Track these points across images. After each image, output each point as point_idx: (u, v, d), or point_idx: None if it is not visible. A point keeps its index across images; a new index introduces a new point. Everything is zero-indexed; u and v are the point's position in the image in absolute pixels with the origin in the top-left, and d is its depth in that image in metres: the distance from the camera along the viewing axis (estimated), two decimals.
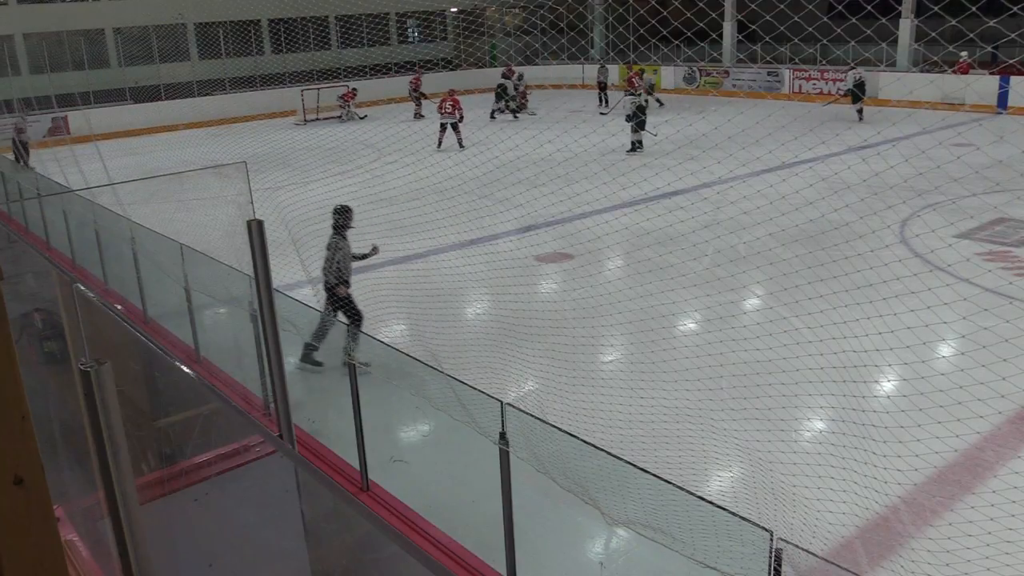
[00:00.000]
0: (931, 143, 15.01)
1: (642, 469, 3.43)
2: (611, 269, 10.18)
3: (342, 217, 7.56)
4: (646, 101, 18.04)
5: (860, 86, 20.40)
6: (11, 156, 19.82)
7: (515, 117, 23.92)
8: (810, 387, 5.74)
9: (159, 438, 3.15)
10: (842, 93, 21.35)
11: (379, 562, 2.05)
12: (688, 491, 3.29)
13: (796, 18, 6.62)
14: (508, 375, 6.84)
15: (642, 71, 23.44)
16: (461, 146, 19.24)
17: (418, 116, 24.75)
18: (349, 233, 7.62)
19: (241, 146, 18.89)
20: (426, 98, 24.97)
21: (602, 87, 25.82)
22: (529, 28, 31.19)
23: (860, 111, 20.32)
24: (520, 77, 24.79)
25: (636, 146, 17.82)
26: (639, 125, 17.73)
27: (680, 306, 7.94)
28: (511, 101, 23.97)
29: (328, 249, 7.47)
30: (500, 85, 24.42)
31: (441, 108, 19.56)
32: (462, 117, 19.52)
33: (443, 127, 19.53)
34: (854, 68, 20.63)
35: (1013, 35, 6.30)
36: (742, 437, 5.66)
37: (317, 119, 25.42)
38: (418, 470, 6.02)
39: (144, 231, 8.16)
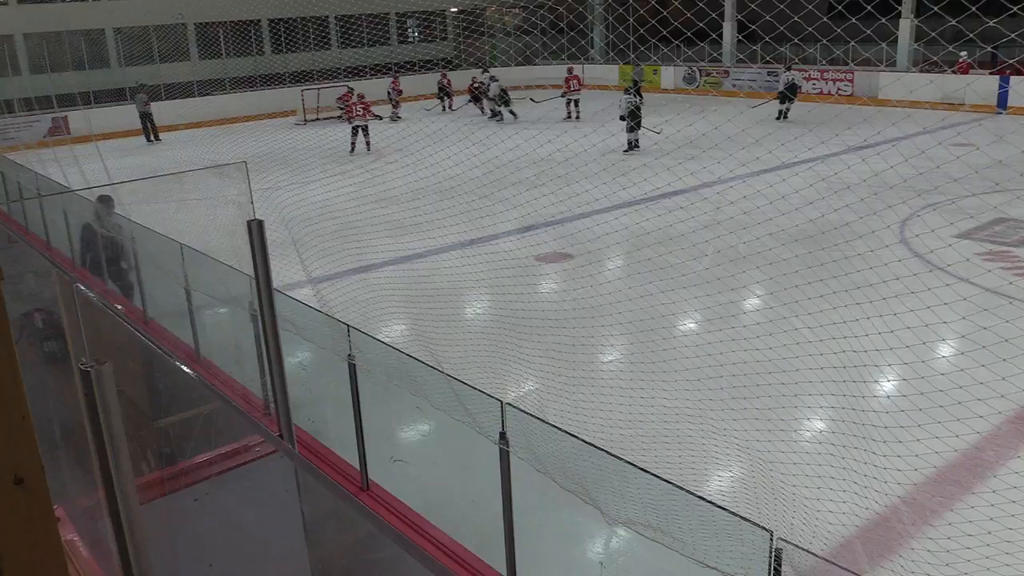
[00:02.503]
0: (931, 143, 15.01)
1: (642, 469, 3.43)
2: (611, 269, 10.18)
3: (106, 206, 8.51)
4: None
5: (792, 88, 20.75)
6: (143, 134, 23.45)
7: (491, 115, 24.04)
8: (810, 387, 5.73)
9: (159, 438, 3.15)
10: (777, 93, 21.58)
11: (379, 562, 2.05)
12: (688, 491, 3.29)
13: (796, 18, 6.62)
14: (508, 375, 6.84)
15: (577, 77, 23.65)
16: (369, 149, 19.69)
17: (396, 118, 25.08)
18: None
19: (241, 146, 18.89)
20: (397, 105, 25.48)
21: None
22: (529, 28, 31.18)
23: (785, 113, 20.68)
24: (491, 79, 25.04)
25: (633, 145, 17.83)
26: (637, 124, 17.74)
27: (680, 306, 7.94)
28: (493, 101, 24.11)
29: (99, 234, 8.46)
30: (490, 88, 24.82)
31: (351, 112, 19.94)
32: (376, 118, 20.43)
33: (355, 131, 19.80)
34: (789, 70, 21.14)
35: (1013, 35, 6.30)
36: (742, 437, 5.66)
37: (317, 119, 25.41)
38: (418, 470, 6.02)
39: (144, 231, 8.15)
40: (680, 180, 12.98)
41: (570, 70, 23.52)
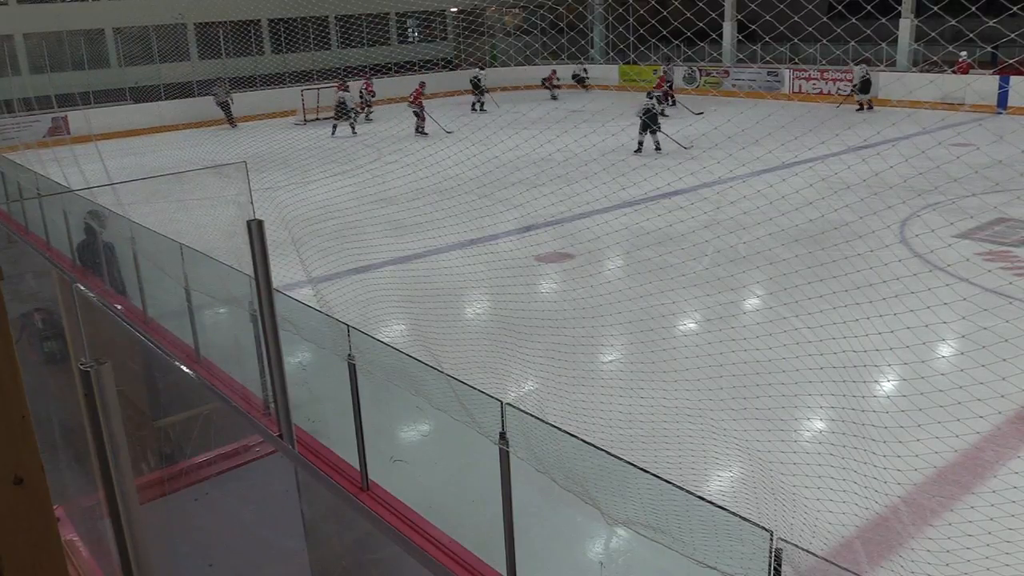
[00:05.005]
0: (931, 143, 15.01)
1: (642, 469, 3.43)
2: (611, 269, 10.18)
3: (98, 221, 8.39)
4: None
5: (865, 83, 21.97)
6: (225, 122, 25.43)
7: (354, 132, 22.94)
8: (810, 387, 5.73)
9: (159, 438, 3.15)
10: (852, 89, 22.62)
11: (379, 562, 2.05)
12: (688, 491, 3.29)
13: (796, 18, 6.63)
14: (508, 375, 6.84)
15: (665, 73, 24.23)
16: (420, 132, 21.83)
17: (367, 119, 25.49)
18: None
19: (241, 146, 18.90)
20: (369, 106, 25.83)
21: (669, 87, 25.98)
22: (529, 28, 31.19)
23: (864, 105, 21.87)
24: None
25: (654, 147, 17.50)
26: (650, 122, 17.40)
27: (680, 306, 7.93)
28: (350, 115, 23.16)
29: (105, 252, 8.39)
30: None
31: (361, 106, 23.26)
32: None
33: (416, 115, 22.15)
34: (859, 64, 22.15)
35: (1013, 35, 6.30)
36: (742, 437, 5.66)
37: (317, 119, 25.39)
38: (418, 470, 6.02)
39: (144, 231, 8.15)
40: (680, 180, 12.99)
41: (422, 83, 22.94)
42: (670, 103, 24.92)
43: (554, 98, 28.94)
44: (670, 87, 25.54)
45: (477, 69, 27.58)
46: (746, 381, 5.76)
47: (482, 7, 31.06)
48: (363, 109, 25.40)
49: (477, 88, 26.36)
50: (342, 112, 22.89)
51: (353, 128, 22.95)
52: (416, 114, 21.88)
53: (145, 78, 27.12)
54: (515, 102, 27.68)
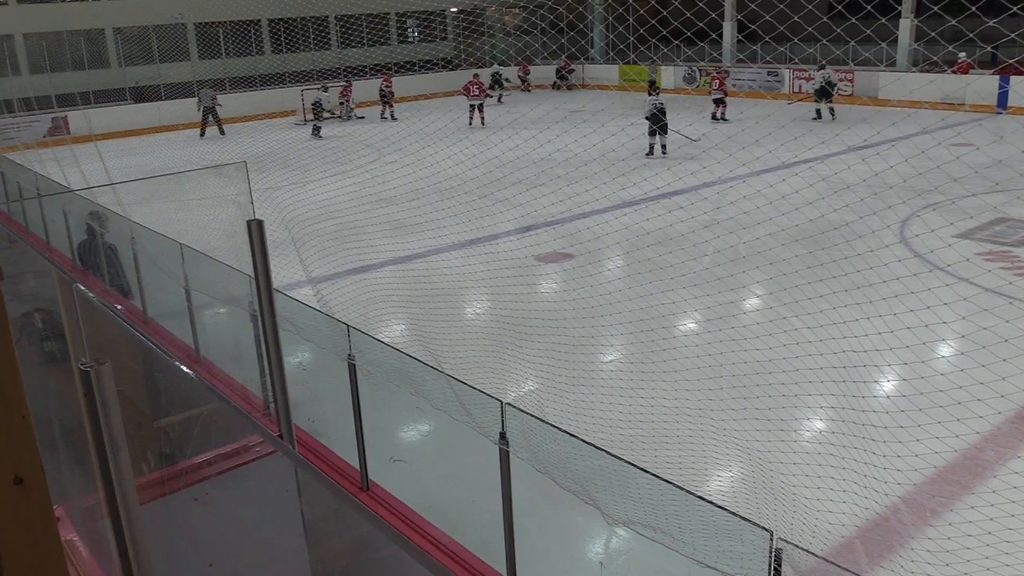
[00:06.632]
0: (931, 143, 15.01)
1: (642, 469, 3.43)
2: (611, 269, 10.18)
3: (99, 222, 8.36)
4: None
5: (830, 84, 20.88)
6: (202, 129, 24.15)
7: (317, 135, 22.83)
8: (810, 387, 5.73)
9: (159, 438, 3.15)
10: (812, 92, 21.68)
11: (379, 562, 2.05)
12: (688, 491, 3.29)
13: (796, 18, 6.62)
14: (508, 375, 6.84)
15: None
16: (483, 124, 22.70)
17: (385, 118, 25.62)
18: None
19: (241, 146, 18.90)
20: (390, 104, 25.91)
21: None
22: (529, 28, 31.18)
23: (830, 111, 20.68)
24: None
25: (660, 150, 16.99)
26: (662, 128, 16.72)
27: (680, 306, 7.93)
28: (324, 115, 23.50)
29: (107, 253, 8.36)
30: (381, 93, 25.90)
31: (469, 91, 23.26)
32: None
33: (472, 108, 22.90)
34: (822, 69, 21.00)
35: (1013, 35, 6.31)
36: (742, 437, 5.66)
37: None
38: (418, 470, 6.02)
39: (144, 231, 8.15)
40: (680, 180, 13.00)
41: (476, 75, 24.23)
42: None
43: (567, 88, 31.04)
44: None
45: (497, 65, 29.60)
46: (746, 381, 5.76)
47: (482, 7, 31.06)
48: (384, 107, 25.76)
49: (497, 83, 28.17)
50: (319, 112, 23.13)
51: (318, 131, 22.60)
52: (480, 106, 22.85)
53: (145, 78, 27.12)
54: (516, 102, 27.70)
